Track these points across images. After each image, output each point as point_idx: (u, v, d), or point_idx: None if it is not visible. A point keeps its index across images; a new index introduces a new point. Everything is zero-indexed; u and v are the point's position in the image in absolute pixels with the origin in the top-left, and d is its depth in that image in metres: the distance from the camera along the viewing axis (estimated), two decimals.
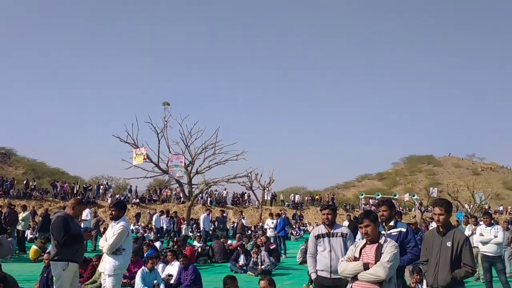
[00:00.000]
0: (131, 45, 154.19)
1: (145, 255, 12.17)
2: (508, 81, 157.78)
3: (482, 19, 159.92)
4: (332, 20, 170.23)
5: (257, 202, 40.14)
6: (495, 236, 9.42)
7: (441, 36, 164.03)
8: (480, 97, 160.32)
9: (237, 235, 18.65)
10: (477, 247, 9.91)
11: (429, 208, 41.39)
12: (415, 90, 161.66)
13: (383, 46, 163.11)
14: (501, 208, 56.84)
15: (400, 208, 46.39)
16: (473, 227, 11.30)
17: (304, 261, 14.55)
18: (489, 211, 31.66)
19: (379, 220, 5.62)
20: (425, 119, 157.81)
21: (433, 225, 18.87)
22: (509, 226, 13.16)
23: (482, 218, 10.62)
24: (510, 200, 73.75)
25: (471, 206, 41.94)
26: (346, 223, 17.51)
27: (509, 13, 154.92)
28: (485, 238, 9.53)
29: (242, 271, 12.96)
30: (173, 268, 10.52)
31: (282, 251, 17.15)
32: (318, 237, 5.76)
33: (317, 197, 48.38)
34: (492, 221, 10.14)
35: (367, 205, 47.09)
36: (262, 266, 12.59)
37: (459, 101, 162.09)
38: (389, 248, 4.14)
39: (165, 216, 22.69)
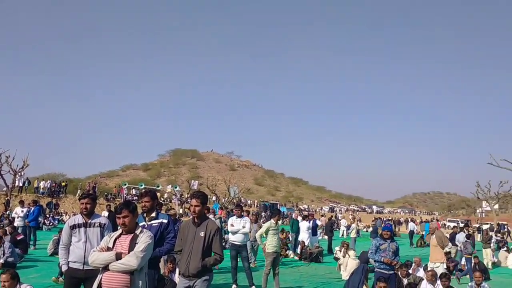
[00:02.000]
0: None
1: None
2: (265, 88, 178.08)
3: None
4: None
5: (5, 188, 35.84)
6: (243, 227, 10.42)
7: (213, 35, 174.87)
8: (243, 102, 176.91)
9: None
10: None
11: (188, 200, 43.52)
12: (184, 89, 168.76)
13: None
14: (249, 201, 63.49)
15: (162, 199, 47.54)
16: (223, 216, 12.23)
17: (55, 253, 13.61)
18: (241, 203, 35.03)
19: (141, 211, 5.64)
20: (194, 116, 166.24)
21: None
22: (257, 219, 14.77)
23: (234, 210, 11.57)
24: (259, 195, 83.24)
25: (226, 198, 45.74)
26: (105, 213, 17.05)
27: None
28: (235, 228, 10.40)
29: None
30: None
31: (32, 242, 15.74)
32: (73, 227, 5.43)
33: (63, 183, 45.42)
34: (243, 213, 11.18)
35: (130, 195, 46.81)
36: (2, 260, 11.32)
37: (224, 101, 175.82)
38: (144, 238, 4.17)
39: None
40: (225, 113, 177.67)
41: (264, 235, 9.90)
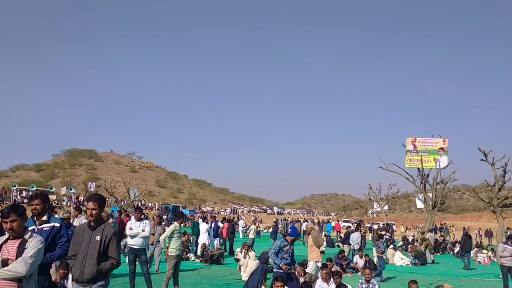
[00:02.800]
0: None
1: None
2: (167, 87, 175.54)
3: None
4: None
5: None
6: (143, 230, 10.16)
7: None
8: (145, 101, 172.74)
9: None
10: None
11: (85, 203, 41.45)
12: (82, 85, 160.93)
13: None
14: (150, 204, 62.08)
15: (56, 201, 44.83)
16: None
17: None
18: (141, 206, 34.18)
19: (32, 214, 5.31)
20: (92, 114, 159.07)
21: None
22: (161, 221, 14.45)
23: (134, 214, 11.23)
24: (161, 197, 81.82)
25: (126, 201, 44.25)
26: None
27: None
28: (134, 232, 10.09)
29: None
30: None
31: None
32: None
33: None
34: (143, 216, 10.85)
35: (20, 198, 43.64)
36: None
37: (126, 100, 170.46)
38: (34, 243, 3.95)
39: None
40: (126, 112, 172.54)
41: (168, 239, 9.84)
